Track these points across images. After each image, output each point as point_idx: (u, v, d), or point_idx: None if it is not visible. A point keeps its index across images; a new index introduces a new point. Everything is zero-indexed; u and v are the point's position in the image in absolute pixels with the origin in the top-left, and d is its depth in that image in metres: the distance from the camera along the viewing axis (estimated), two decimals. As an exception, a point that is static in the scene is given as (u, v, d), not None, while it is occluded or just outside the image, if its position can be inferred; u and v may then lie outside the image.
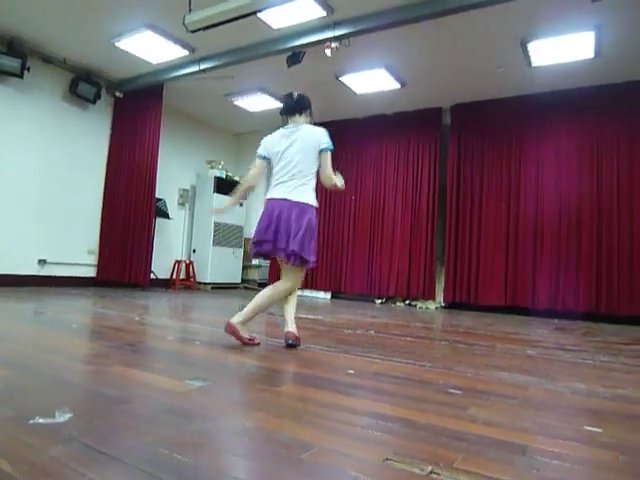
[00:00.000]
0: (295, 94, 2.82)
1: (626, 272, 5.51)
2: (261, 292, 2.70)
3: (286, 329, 2.69)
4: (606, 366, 2.67)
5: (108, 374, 1.85)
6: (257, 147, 2.85)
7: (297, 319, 2.82)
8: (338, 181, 2.80)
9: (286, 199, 2.64)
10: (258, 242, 2.66)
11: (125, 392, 1.61)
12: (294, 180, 2.67)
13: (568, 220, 5.88)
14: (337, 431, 1.34)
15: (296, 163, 2.67)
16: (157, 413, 1.42)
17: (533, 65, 5.37)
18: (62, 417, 1.30)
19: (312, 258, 2.65)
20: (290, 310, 2.77)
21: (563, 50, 5.01)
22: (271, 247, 2.64)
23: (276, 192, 2.70)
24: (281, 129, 2.80)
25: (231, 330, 2.58)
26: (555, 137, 6.09)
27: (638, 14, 4.32)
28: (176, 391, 1.65)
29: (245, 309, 2.63)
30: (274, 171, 2.76)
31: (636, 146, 5.63)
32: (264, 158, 2.80)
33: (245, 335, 2.62)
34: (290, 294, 2.79)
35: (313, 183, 2.73)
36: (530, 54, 5.12)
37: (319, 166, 2.74)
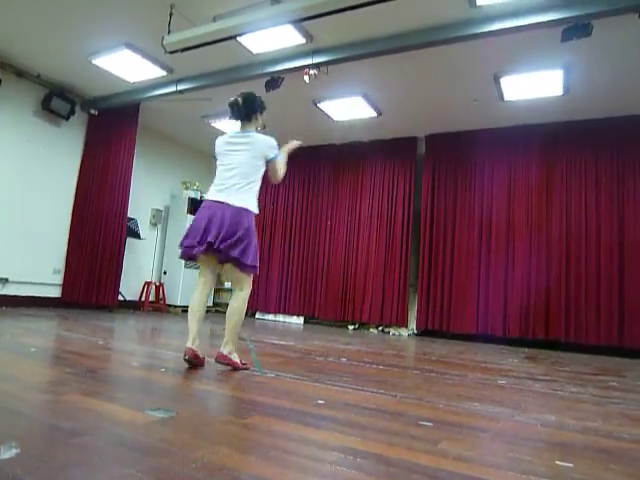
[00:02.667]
0: (240, 100, 2.76)
1: (594, 303, 5.63)
2: (227, 313, 2.72)
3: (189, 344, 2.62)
4: (575, 397, 2.67)
5: (64, 404, 1.74)
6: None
7: (270, 345, 2.76)
8: (283, 167, 2.82)
9: (225, 203, 2.61)
10: (190, 245, 2.61)
11: (80, 424, 1.51)
12: (235, 185, 2.65)
13: (538, 250, 6.00)
14: (304, 468, 1.28)
15: (238, 170, 2.67)
16: (113, 448, 1.33)
17: (505, 99, 5.55)
18: (7, 453, 1.20)
19: (252, 262, 2.61)
20: (199, 327, 2.70)
21: (534, 86, 5.21)
22: (205, 249, 2.57)
23: (215, 195, 2.68)
24: (231, 132, 2.82)
25: (224, 361, 2.63)
26: (525, 169, 6.27)
27: (605, 55, 4.54)
28: (135, 423, 1.56)
29: (227, 336, 2.67)
30: (216, 173, 2.77)
31: (602, 180, 5.84)
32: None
33: (238, 360, 2.69)
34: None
35: (255, 189, 2.73)
36: (503, 89, 5.29)
37: (267, 171, 2.80)
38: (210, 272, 2.77)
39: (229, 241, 2.54)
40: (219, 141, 2.82)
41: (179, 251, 2.72)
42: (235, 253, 2.55)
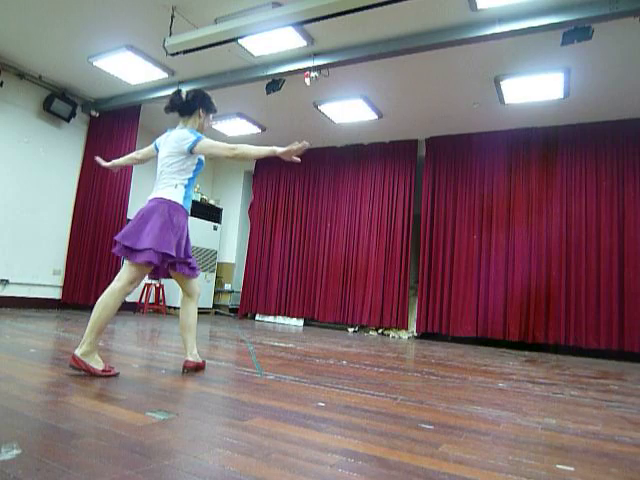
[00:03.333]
0: (184, 93, 2.63)
1: (594, 306, 5.62)
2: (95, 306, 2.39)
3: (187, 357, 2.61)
4: (576, 401, 2.67)
5: (65, 405, 1.74)
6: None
7: (270, 347, 2.75)
8: (247, 149, 2.49)
9: (150, 199, 2.51)
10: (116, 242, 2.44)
11: (81, 425, 1.51)
12: (160, 183, 2.54)
13: (538, 254, 6.00)
14: (305, 471, 1.28)
15: (163, 168, 2.56)
16: (113, 449, 1.33)
17: (506, 102, 5.56)
18: (8, 454, 1.20)
19: (140, 245, 2.34)
20: (187, 336, 2.63)
21: (534, 89, 5.21)
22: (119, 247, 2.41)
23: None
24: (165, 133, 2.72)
25: (75, 364, 2.25)
26: (526, 172, 6.27)
27: (604, 59, 4.55)
28: (136, 425, 1.56)
29: (86, 334, 2.29)
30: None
31: (603, 184, 5.84)
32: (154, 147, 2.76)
33: (97, 366, 2.29)
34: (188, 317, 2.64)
35: (179, 184, 2.52)
36: (503, 92, 5.30)
37: (208, 156, 2.63)
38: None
39: (132, 229, 2.42)
40: (159, 139, 2.76)
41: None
42: (122, 238, 2.40)
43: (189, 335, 2.65)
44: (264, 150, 2.47)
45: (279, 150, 2.43)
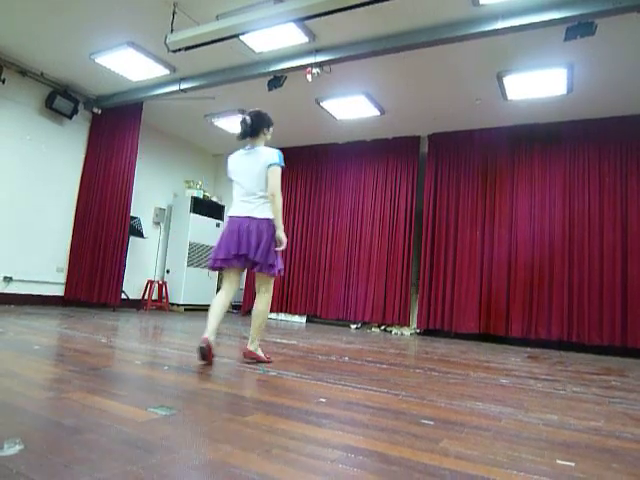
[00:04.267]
0: (248, 119, 2.97)
1: (596, 302, 5.61)
2: (253, 313, 2.99)
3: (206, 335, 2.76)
4: (578, 397, 2.67)
5: (67, 401, 1.75)
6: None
7: (272, 344, 2.79)
8: (277, 205, 2.93)
9: (249, 217, 2.89)
10: (226, 258, 2.87)
11: (84, 421, 1.52)
12: (253, 198, 2.92)
13: (541, 250, 5.99)
14: (306, 466, 1.29)
15: (252, 184, 2.92)
16: (116, 445, 1.34)
17: (509, 98, 5.54)
18: (12, 449, 1.21)
19: (278, 265, 2.90)
20: (217, 324, 2.86)
21: (537, 85, 5.19)
22: (235, 259, 2.86)
23: (238, 210, 2.94)
24: (241, 150, 3.06)
25: (251, 356, 2.95)
26: (528, 168, 6.25)
27: (607, 55, 4.52)
28: (138, 420, 1.57)
29: (252, 334, 2.97)
30: (234, 189, 3.02)
31: (606, 180, 5.82)
32: (230, 180, 3.08)
33: (262, 354, 3.00)
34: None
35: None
36: (506, 88, 5.28)
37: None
38: (236, 276, 3.00)
39: (256, 248, 2.84)
40: (230, 160, 3.07)
41: (211, 263, 2.97)
42: (260, 258, 2.83)
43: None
44: (279, 219, 2.96)
45: (280, 233, 2.95)
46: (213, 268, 3.02)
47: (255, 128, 2.98)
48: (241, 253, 2.83)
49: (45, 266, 6.15)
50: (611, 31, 4.07)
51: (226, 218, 3.07)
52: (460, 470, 1.34)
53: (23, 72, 5.83)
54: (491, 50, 4.59)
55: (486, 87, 5.36)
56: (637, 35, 4.16)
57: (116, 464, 1.19)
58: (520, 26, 3.98)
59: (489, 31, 4.11)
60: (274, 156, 2.93)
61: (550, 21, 3.89)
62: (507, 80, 5.11)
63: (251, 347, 2.96)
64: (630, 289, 5.47)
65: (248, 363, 2.92)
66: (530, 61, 4.75)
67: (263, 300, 2.97)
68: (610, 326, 5.49)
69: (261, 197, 2.92)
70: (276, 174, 2.91)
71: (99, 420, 1.55)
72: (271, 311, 7.75)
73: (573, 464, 1.47)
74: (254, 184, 2.92)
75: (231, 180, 3.05)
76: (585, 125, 5.95)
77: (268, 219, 2.90)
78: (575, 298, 5.73)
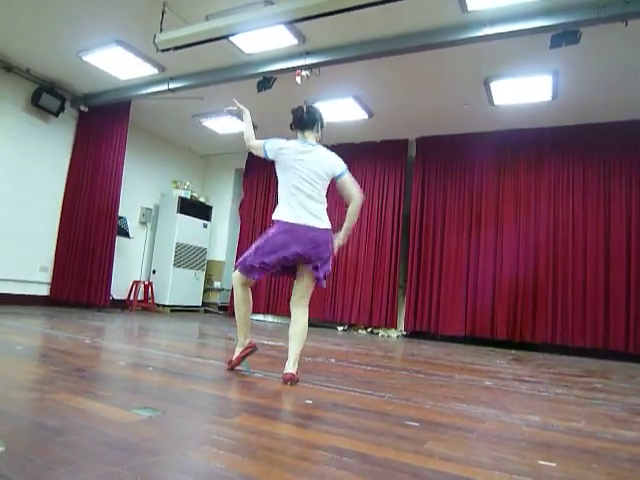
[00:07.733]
0: (305, 107, 2.73)
1: (580, 306, 5.70)
2: (298, 329, 2.67)
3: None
4: (560, 398, 2.71)
5: (50, 402, 1.73)
6: (266, 138, 2.76)
7: (259, 345, 2.76)
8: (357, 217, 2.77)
9: (312, 226, 2.56)
10: (284, 256, 2.57)
11: (67, 422, 1.51)
12: (311, 203, 2.59)
13: (526, 253, 6.06)
14: (290, 467, 1.29)
15: (313, 188, 2.60)
16: (99, 446, 1.33)
17: (495, 104, 5.60)
18: (-8, 451, 1.20)
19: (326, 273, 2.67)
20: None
21: (523, 91, 5.26)
22: (292, 261, 2.61)
23: (296, 215, 2.57)
24: (296, 142, 2.70)
25: (295, 379, 2.47)
26: (514, 173, 6.33)
27: (592, 62, 4.60)
28: (122, 422, 1.56)
29: (293, 355, 2.55)
30: (284, 186, 2.63)
31: (590, 185, 5.91)
32: (266, 157, 2.73)
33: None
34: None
35: (326, 205, 2.69)
36: (493, 93, 5.34)
37: (340, 190, 2.72)
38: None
39: (318, 257, 2.57)
40: (285, 145, 2.67)
41: (249, 264, 2.62)
42: (324, 269, 2.61)
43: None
44: (350, 230, 2.73)
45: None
46: (249, 275, 2.65)
47: (312, 118, 2.70)
48: (307, 256, 2.54)
49: (28, 265, 6.06)
50: (595, 40, 4.14)
51: (270, 222, 2.76)
52: (444, 471, 1.35)
53: (8, 68, 5.74)
54: (479, 56, 4.64)
55: (474, 92, 5.42)
56: (620, 44, 4.24)
57: (99, 466, 1.18)
58: (507, 33, 4.04)
59: (477, 37, 4.16)
60: (342, 164, 2.70)
61: (536, 29, 3.95)
62: (494, 86, 5.18)
63: (294, 370, 2.50)
64: (612, 293, 5.56)
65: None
66: (516, 67, 4.82)
67: (306, 313, 2.71)
68: (593, 329, 5.57)
69: (322, 204, 2.63)
70: (353, 181, 2.70)
71: (82, 421, 1.54)
72: (258, 312, 7.81)
73: (554, 464, 1.49)
74: (317, 189, 2.60)
75: (266, 158, 2.73)
76: (569, 131, 6.05)
77: (329, 229, 2.64)
78: (559, 301, 5.81)
